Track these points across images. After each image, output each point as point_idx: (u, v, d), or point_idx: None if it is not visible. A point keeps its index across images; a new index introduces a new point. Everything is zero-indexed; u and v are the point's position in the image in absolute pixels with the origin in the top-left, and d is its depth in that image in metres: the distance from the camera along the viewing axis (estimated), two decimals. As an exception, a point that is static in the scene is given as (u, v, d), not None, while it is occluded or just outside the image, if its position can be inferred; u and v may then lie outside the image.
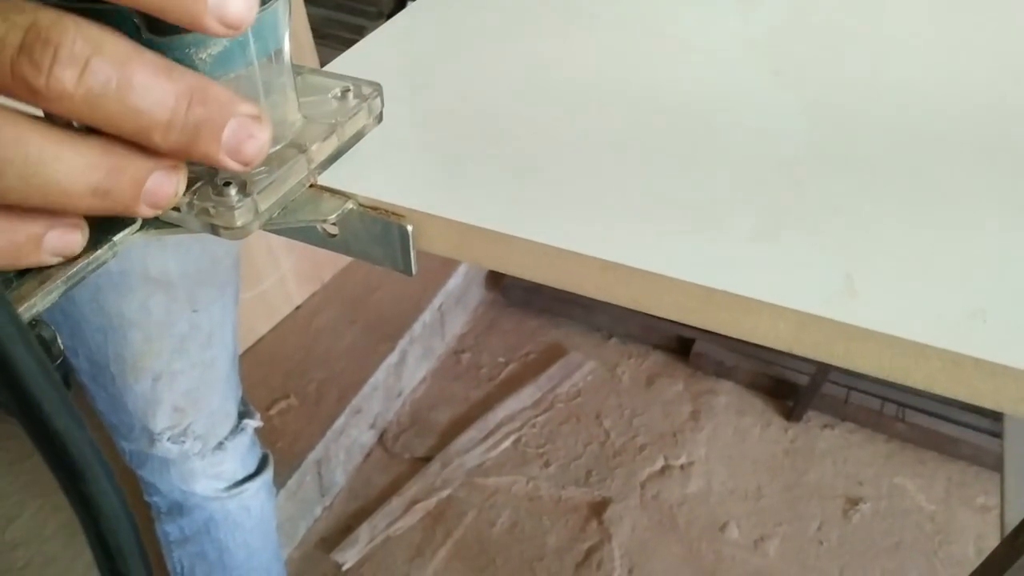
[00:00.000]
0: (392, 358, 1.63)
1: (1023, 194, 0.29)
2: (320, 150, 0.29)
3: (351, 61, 0.39)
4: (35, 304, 0.25)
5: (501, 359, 1.84)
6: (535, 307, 1.94)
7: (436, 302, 1.76)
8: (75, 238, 0.24)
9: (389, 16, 1.65)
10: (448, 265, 1.82)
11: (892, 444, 1.65)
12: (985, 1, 0.43)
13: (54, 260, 0.24)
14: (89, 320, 0.74)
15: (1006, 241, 0.27)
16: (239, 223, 0.26)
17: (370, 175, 0.30)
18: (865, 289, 0.25)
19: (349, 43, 0.40)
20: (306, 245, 0.32)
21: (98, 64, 0.21)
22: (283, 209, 0.28)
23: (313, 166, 0.29)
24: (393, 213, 0.29)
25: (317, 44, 1.60)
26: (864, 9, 0.42)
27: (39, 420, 0.20)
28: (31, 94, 0.20)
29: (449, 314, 1.84)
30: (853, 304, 0.25)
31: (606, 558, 1.45)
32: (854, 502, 1.55)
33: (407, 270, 0.30)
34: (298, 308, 1.72)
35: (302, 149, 0.28)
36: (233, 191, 0.26)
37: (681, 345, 1.83)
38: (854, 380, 1.67)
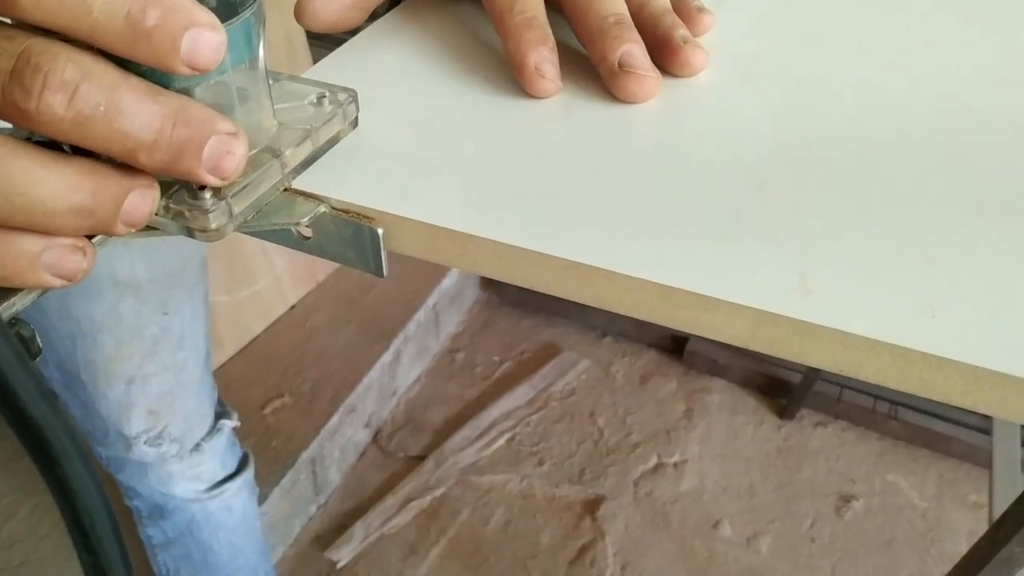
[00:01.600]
0: (386, 357, 1.64)
1: (974, 194, 0.30)
2: (294, 155, 0.30)
3: (332, 65, 0.39)
4: (15, 304, 0.26)
5: (495, 358, 1.85)
6: (529, 306, 1.95)
7: (430, 301, 1.77)
8: (75, 259, 0.25)
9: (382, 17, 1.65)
10: (442, 265, 1.83)
11: (885, 442, 1.66)
12: (951, 7, 0.43)
13: (56, 282, 0.25)
14: (57, 328, 0.74)
15: (956, 240, 0.28)
16: (213, 225, 0.27)
17: (343, 179, 0.31)
18: (818, 287, 0.26)
19: (343, 44, 0.41)
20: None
21: (87, 89, 0.22)
22: (257, 212, 0.29)
23: (287, 171, 0.30)
24: (364, 216, 0.30)
25: (312, 45, 1.61)
26: (828, 14, 0.43)
27: (16, 408, 0.21)
28: (23, 118, 0.21)
29: (443, 313, 1.85)
30: (807, 301, 0.26)
31: (599, 556, 1.46)
32: (847, 500, 1.55)
33: (379, 272, 0.31)
34: (293, 307, 1.73)
35: (276, 154, 0.29)
36: (208, 195, 0.27)
37: (675, 344, 1.84)
38: (847, 379, 1.68)
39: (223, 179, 0.25)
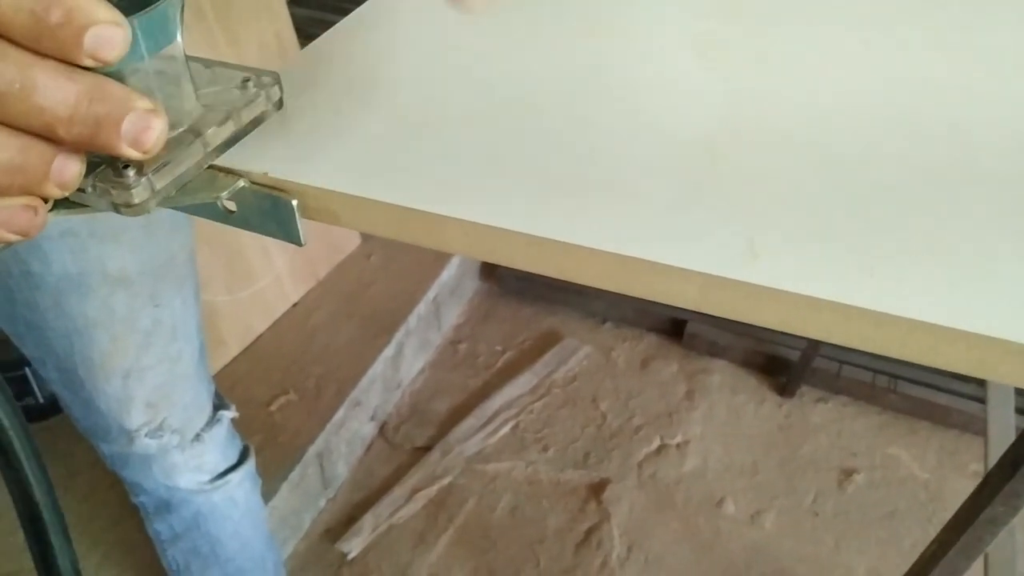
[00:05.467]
0: (389, 351, 1.66)
1: (914, 161, 0.32)
2: (216, 135, 0.32)
3: (312, 53, 0.41)
4: None
5: (497, 347, 1.86)
6: (529, 295, 1.97)
7: (430, 294, 1.79)
8: (27, 215, 0.27)
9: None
10: (442, 258, 1.85)
11: (885, 415, 1.68)
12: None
13: (12, 236, 0.27)
14: (53, 327, 0.76)
15: (896, 204, 0.29)
16: (136, 200, 0.29)
17: (264, 156, 0.33)
18: (765, 251, 0.28)
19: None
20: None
21: (1, 68, 0.23)
22: (181, 188, 0.31)
23: (209, 149, 0.32)
24: (279, 189, 0.32)
25: (302, 43, 1.63)
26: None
27: None
28: None
29: (444, 305, 1.86)
30: (754, 265, 0.27)
31: (606, 537, 1.48)
32: (848, 473, 1.57)
33: (297, 241, 0.33)
34: (295, 305, 1.74)
35: (198, 134, 0.31)
36: (131, 172, 0.29)
37: (674, 327, 1.86)
38: (845, 354, 1.69)
39: (144, 152, 0.27)
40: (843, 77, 0.37)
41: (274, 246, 1.62)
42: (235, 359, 1.62)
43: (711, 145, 0.33)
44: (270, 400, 1.55)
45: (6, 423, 0.23)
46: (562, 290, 1.93)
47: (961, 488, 1.54)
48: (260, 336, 1.67)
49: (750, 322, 0.28)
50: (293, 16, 1.60)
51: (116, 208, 0.30)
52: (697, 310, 0.28)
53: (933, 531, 1.45)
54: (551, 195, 0.31)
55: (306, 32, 1.66)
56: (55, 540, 0.23)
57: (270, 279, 1.66)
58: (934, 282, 0.26)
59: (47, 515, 0.23)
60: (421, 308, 1.76)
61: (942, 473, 1.56)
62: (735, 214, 0.29)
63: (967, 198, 0.30)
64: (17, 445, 0.23)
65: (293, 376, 1.60)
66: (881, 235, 0.28)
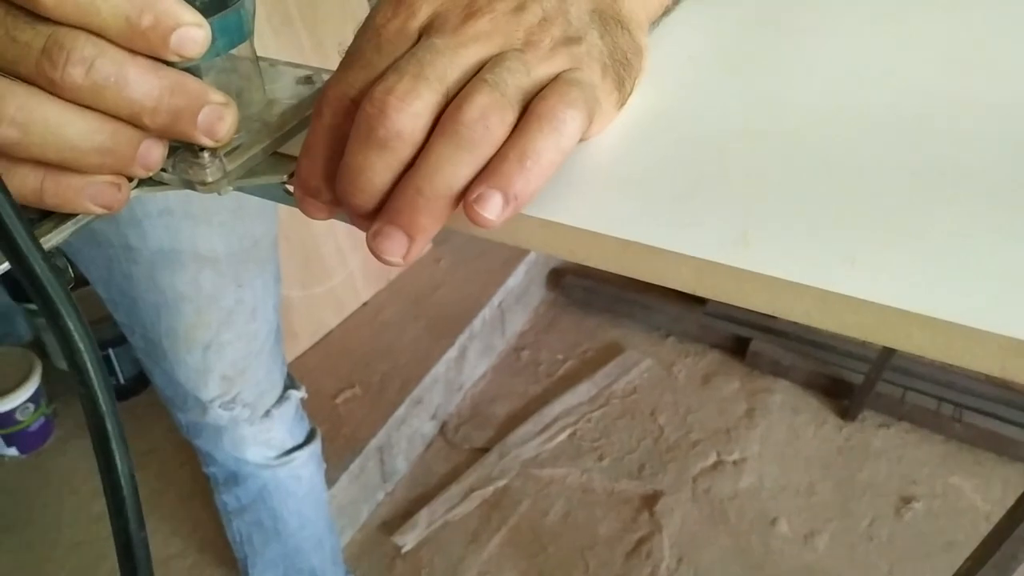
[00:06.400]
0: (452, 352, 1.71)
1: (903, 160, 0.34)
2: (281, 124, 0.36)
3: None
4: (51, 239, 0.32)
5: (559, 356, 1.89)
6: (594, 306, 1.99)
7: (496, 300, 1.83)
8: (112, 191, 0.31)
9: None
10: (509, 265, 1.89)
11: (949, 444, 1.65)
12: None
13: (98, 209, 0.31)
14: (144, 298, 0.82)
15: (879, 200, 0.32)
16: (210, 179, 0.33)
17: None
18: (757, 241, 0.30)
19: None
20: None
21: (101, 63, 0.28)
22: (249, 171, 0.35)
23: (275, 136, 0.36)
24: None
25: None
26: (820, 15, 0.47)
27: (26, 268, 0.27)
28: (51, 85, 0.28)
29: (509, 312, 1.90)
30: (745, 252, 0.30)
31: (655, 548, 1.49)
32: (907, 500, 1.55)
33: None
34: (365, 304, 1.80)
35: (265, 122, 0.35)
36: (206, 155, 0.33)
37: (738, 344, 1.86)
38: (910, 380, 1.67)
39: (216, 141, 0.31)
40: (848, 81, 0.39)
41: (348, 246, 1.69)
42: (306, 352, 1.69)
43: (720, 143, 0.36)
44: (336, 393, 1.61)
45: (81, 346, 0.27)
46: (626, 303, 1.95)
47: (1025, 523, 1.50)
48: (330, 332, 1.74)
49: (740, 305, 0.31)
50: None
51: (192, 186, 0.34)
52: (692, 292, 0.31)
53: (992, 564, 1.42)
54: (563, 185, 0.34)
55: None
56: (116, 447, 0.27)
57: (343, 277, 1.72)
58: (909, 273, 0.29)
59: (110, 425, 0.27)
60: (486, 313, 1.80)
61: (1006, 506, 1.51)
62: (729, 206, 0.32)
63: (950, 196, 0.32)
64: (90, 366, 0.27)
65: (359, 371, 1.66)
66: (867, 229, 0.31)
